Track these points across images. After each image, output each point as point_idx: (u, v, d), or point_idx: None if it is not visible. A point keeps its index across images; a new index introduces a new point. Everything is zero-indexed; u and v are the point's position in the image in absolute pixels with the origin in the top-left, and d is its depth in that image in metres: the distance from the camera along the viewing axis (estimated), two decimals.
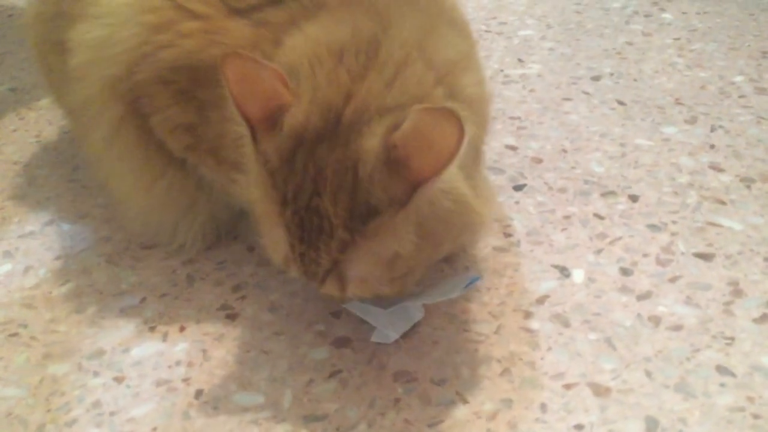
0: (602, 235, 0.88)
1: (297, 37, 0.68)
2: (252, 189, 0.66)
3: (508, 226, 0.91)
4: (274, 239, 0.65)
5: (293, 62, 0.65)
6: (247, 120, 0.61)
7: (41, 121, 1.20)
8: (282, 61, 0.66)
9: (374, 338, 0.74)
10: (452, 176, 0.60)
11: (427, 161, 0.56)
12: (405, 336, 0.74)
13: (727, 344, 0.73)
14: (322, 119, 0.61)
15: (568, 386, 0.70)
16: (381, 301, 0.74)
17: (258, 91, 0.60)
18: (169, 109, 0.75)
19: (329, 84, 0.62)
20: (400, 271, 0.65)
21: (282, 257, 0.65)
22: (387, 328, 0.74)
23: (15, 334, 0.79)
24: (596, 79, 1.22)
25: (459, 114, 0.53)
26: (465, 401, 0.69)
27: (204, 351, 0.76)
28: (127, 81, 0.75)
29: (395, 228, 0.60)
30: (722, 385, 0.69)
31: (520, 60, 1.30)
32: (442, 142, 0.55)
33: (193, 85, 0.73)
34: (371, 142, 0.59)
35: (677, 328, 0.75)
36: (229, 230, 0.90)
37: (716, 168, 0.99)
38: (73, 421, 0.69)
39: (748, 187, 0.95)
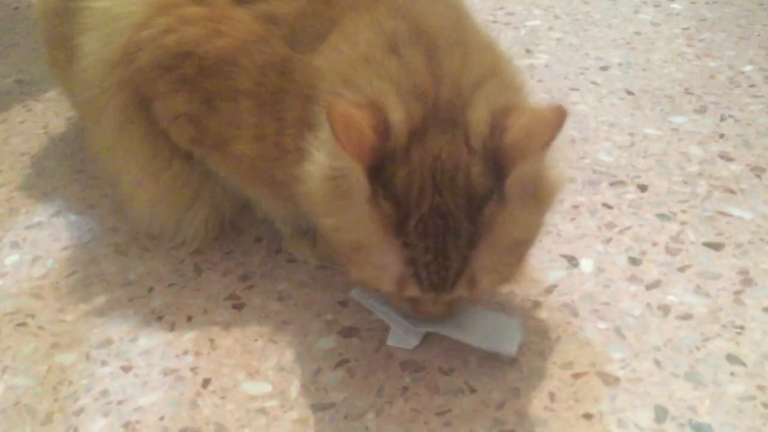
0: (611, 225, 0.87)
1: (330, 45, 0.67)
2: (343, 232, 0.64)
3: None
4: (381, 266, 0.62)
5: (345, 70, 0.64)
6: (360, 163, 0.58)
7: (48, 113, 1.20)
8: (328, 69, 0.65)
9: (391, 341, 0.73)
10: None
11: (528, 142, 0.58)
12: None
13: (738, 333, 0.72)
14: (421, 106, 0.60)
15: (576, 375, 0.69)
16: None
17: (359, 134, 0.58)
18: (172, 96, 0.74)
19: (409, 72, 0.62)
20: (523, 249, 0.65)
21: (395, 279, 0.62)
22: (408, 332, 0.73)
23: (23, 324, 0.79)
24: (605, 69, 1.22)
25: (563, 111, 0.58)
26: (473, 390, 0.68)
27: (211, 340, 0.76)
28: (129, 67, 0.73)
29: (511, 208, 0.60)
30: (732, 374, 0.68)
31: (527, 50, 1.29)
32: (544, 129, 0.58)
33: (199, 74, 0.72)
34: (480, 114, 0.60)
35: (687, 317, 0.75)
36: (233, 222, 0.90)
37: (726, 157, 0.98)
38: (81, 410, 0.69)
39: (758, 176, 0.94)
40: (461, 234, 0.59)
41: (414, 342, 0.72)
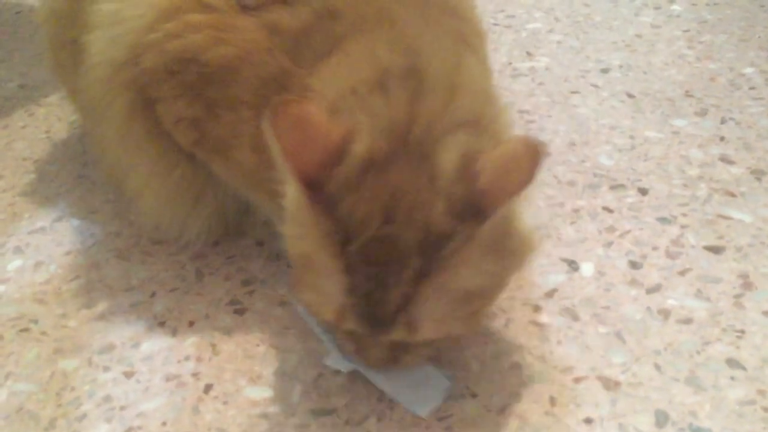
0: (611, 229, 0.88)
1: (328, 67, 0.67)
2: (294, 243, 0.63)
3: None
4: (324, 291, 0.61)
5: (334, 98, 0.64)
6: (299, 173, 0.57)
7: (51, 118, 1.20)
8: (322, 94, 0.65)
9: (329, 362, 0.71)
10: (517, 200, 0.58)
11: (506, 182, 0.55)
12: None
13: (738, 337, 0.73)
14: (388, 142, 0.59)
15: (577, 380, 0.69)
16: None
17: (311, 139, 0.57)
18: (175, 100, 0.74)
19: (389, 108, 0.61)
20: (477, 304, 0.62)
21: (336, 308, 0.60)
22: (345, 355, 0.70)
23: (26, 330, 0.80)
24: (605, 71, 1.22)
25: (542, 146, 0.55)
26: (474, 395, 0.69)
27: (213, 345, 0.76)
28: (134, 68, 0.74)
29: (472, 253, 0.57)
30: (733, 378, 0.69)
31: (528, 53, 1.29)
32: (521, 167, 0.55)
33: (201, 81, 0.72)
34: (449, 156, 0.59)
35: (687, 321, 0.75)
36: (236, 224, 0.90)
37: (726, 160, 0.98)
38: (84, 416, 0.70)
39: (759, 179, 0.94)
40: (407, 267, 0.57)
41: (350, 366, 0.69)
